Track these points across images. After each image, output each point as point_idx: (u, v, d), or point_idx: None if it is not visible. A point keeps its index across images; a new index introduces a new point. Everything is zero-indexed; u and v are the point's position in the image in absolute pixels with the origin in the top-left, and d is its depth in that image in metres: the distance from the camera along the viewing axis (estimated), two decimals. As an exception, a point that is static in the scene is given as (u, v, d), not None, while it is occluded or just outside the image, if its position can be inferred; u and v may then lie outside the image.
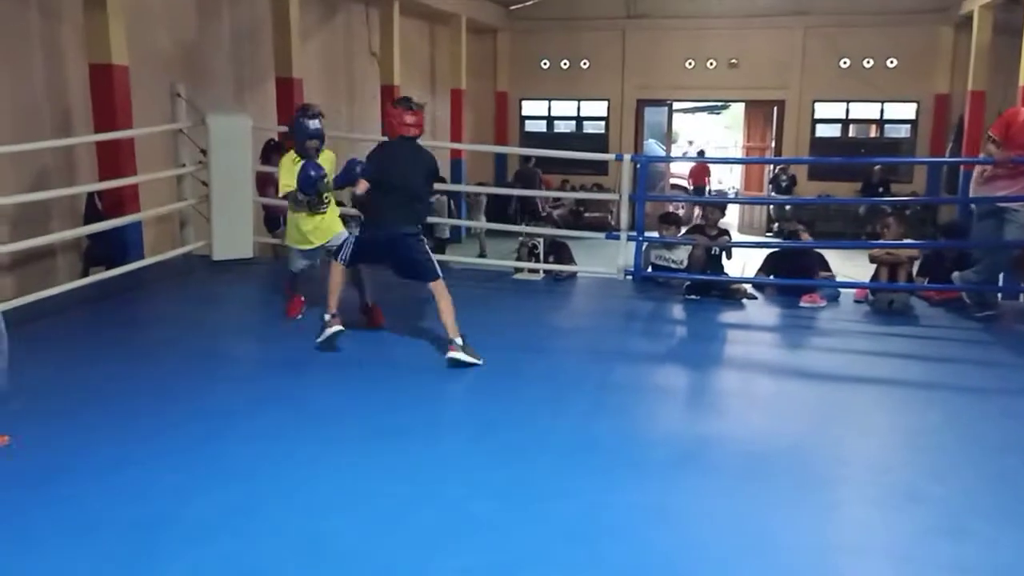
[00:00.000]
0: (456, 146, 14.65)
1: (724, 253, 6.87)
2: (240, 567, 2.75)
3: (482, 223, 11.96)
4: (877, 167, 15.06)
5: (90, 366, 4.77)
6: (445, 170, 15.18)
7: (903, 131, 16.37)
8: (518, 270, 7.53)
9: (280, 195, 5.56)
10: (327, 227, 5.58)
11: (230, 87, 9.45)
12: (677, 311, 6.56)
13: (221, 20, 9.47)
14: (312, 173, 5.19)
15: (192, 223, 7.78)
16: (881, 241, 7.18)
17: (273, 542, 2.90)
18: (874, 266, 6.84)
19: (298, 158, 5.43)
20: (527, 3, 16.41)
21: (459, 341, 4.76)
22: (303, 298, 5.85)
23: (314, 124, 5.40)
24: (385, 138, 5.38)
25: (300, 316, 5.72)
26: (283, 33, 9.22)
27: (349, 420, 4.05)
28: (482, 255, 12.06)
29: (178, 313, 5.79)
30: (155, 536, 2.92)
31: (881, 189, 15.03)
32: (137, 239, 7.24)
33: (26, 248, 6.17)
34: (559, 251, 7.68)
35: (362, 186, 5.02)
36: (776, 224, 15.75)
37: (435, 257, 5.12)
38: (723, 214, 7.19)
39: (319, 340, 4.98)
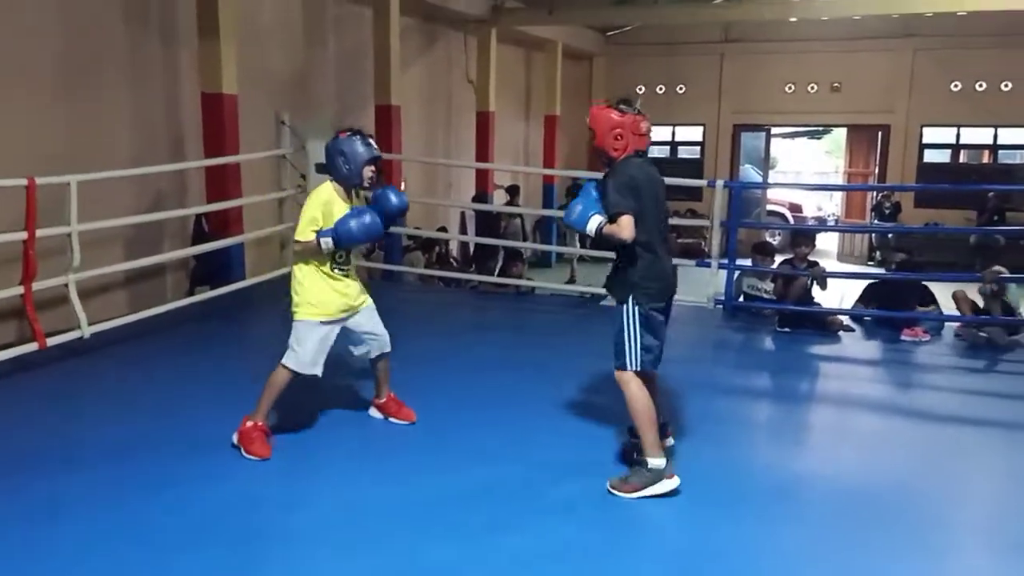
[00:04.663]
0: (550, 172, 14.73)
1: (818, 283, 6.65)
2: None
3: (575, 248, 11.94)
4: (991, 194, 14.33)
5: (196, 382, 4.98)
6: (538, 195, 15.35)
7: (1018, 157, 15.58)
8: (607, 297, 7.46)
9: (304, 240, 3.93)
10: (358, 288, 4.12)
11: (332, 113, 9.77)
12: (769, 343, 6.39)
13: (326, 48, 9.84)
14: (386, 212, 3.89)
15: (292, 245, 8.03)
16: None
17: (372, 560, 2.96)
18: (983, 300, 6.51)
19: (341, 198, 3.94)
20: (625, 29, 16.43)
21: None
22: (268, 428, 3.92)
23: (373, 146, 3.89)
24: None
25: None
26: (383, 61, 9.52)
27: (447, 446, 4.06)
28: (571, 281, 12.03)
29: (280, 333, 5.96)
30: (261, 545, 3.06)
31: (996, 218, 14.29)
32: (240, 260, 7.54)
33: (140, 266, 6.51)
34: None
35: (627, 226, 3.41)
36: (878, 252, 15.19)
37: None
38: (814, 246, 6.98)
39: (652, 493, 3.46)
